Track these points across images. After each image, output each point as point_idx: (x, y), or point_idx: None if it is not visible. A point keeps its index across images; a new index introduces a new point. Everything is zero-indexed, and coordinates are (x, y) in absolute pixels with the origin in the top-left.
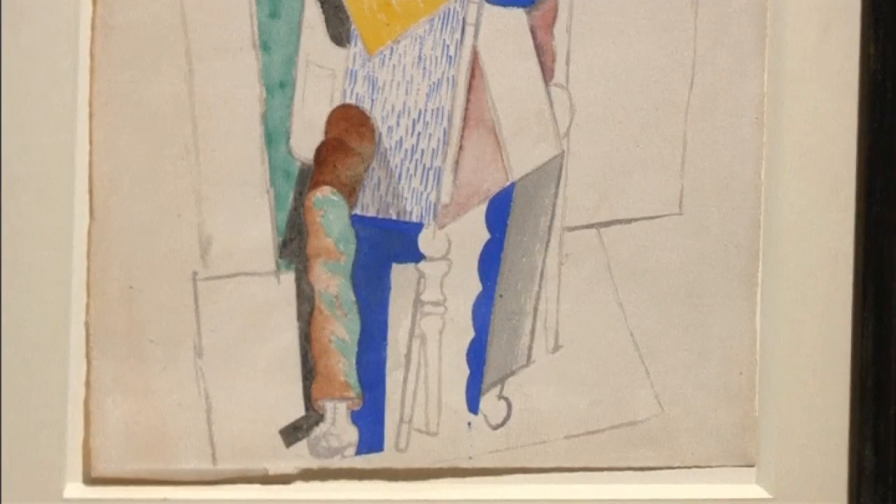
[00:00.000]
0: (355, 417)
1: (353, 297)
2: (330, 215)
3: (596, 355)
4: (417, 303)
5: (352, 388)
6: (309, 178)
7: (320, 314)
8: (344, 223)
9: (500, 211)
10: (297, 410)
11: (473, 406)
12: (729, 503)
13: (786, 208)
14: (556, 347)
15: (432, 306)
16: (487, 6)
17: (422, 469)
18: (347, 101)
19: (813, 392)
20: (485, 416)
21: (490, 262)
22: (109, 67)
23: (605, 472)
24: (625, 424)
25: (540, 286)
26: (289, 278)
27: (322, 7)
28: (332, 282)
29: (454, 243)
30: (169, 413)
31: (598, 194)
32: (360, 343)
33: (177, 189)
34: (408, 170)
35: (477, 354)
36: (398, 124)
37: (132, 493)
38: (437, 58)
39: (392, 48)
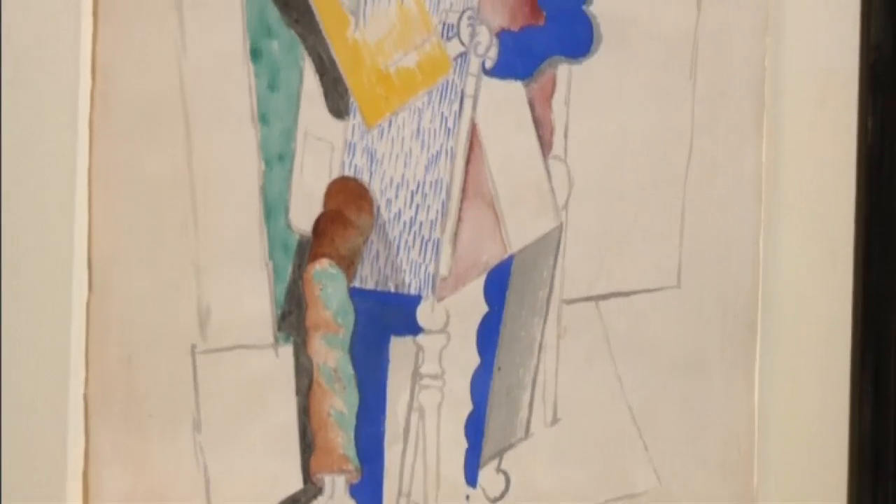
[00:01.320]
0: (354, 491)
1: (351, 371)
2: (328, 288)
3: (594, 428)
4: (416, 376)
5: (350, 462)
6: (308, 251)
7: (319, 387)
8: (342, 296)
9: (498, 283)
10: (296, 484)
11: (472, 479)
12: None
13: (784, 279)
14: (555, 420)
15: (431, 379)
16: (486, 79)
17: None
18: (346, 173)
19: (811, 464)
20: (483, 489)
21: (488, 335)
22: (109, 139)
23: None
24: (623, 498)
25: (538, 359)
26: (287, 351)
27: (321, 79)
28: (330, 355)
29: (453, 316)
30: (167, 486)
31: (596, 267)
32: (359, 416)
33: (176, 261)
34: (406, 242)
35: (475, 427)
36: (397, 196)
37: None
38: (435, 130)
39: (391, 120)
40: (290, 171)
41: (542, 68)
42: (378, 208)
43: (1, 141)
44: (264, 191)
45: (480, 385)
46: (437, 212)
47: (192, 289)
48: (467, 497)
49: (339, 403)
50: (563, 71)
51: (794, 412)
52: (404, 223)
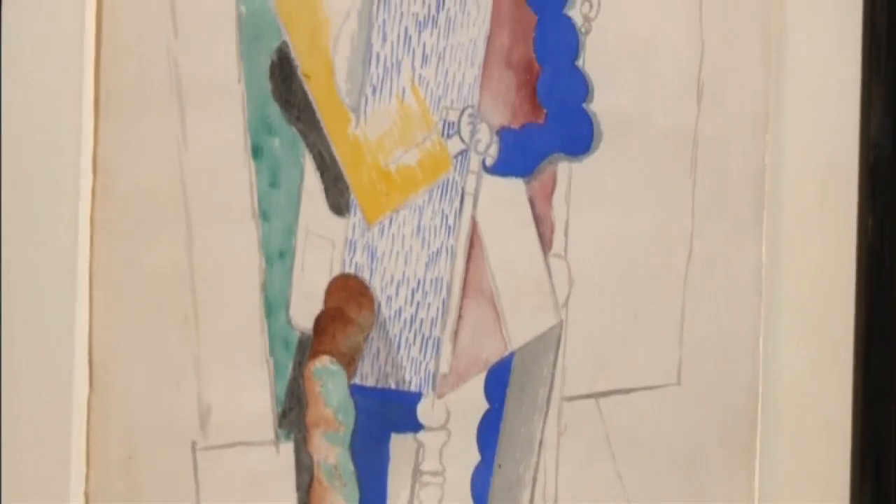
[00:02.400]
0: None
1: (352, 467)
2: (329, 385)
3: None
4: (416, 473)
5: None
6: (308, 348)
7: (319, 485)
8: (343, 393)
9: (498, 381)
10: None
11: None
12: None
13: (784, 376)
14: None
15: (431, 476)
16: (486, 176)
17: None
18: (347, 270)
19: None
20: None
21: (489, 433)
22: (109, 235)
23: None
24: None
25: (539, 456)
26: (288, 448)
27: (322, 177)
28: (331, 452)
29: (453, 413)
30: None
31: (596, 364)
32: None
33: (176, 358)
34: (407, 339)
35: None
36: (397, 294)
37: None
38: (436, 228)
39: (391, 218)
40: (291, 268)
41: (543, 166)
42: (379, 306)
43: (1, 237)
44: (265, 288)
45: (481, 482)
46: (438, 309)
47: (193, 385)
48: None
49: (339, 501)
50: (564, 168)
51: None
52: (405, 321)
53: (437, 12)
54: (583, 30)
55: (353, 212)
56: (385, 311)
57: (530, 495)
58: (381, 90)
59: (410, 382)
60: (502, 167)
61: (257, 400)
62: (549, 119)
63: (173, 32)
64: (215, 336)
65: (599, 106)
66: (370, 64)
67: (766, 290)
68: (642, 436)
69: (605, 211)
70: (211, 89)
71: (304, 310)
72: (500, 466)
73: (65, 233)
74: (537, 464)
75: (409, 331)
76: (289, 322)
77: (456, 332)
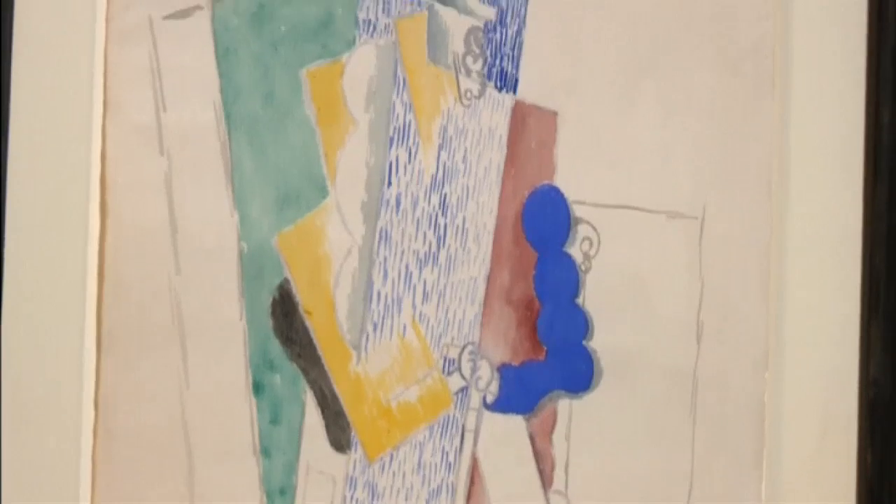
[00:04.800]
0: None
1: None
2: None
3: None
4: None
5: None
6: None
7: None
8: None
9: None
10: None
11: None
12: None
13: None
14: None
15: None
16: (487, 413)
17: None
18: None
19: None
20: None
21: None
22: (111, 472)
23: None
24: None
25: None
26: None
27: (323, 413)
28: None
29: None
30: None
31: None
32: None
33: None
34: None
35: None
36: None
37: None
38: (436, 464)
39: (392, 454)
40: None
41: (543, 402)
42: None
43: (2, 470)
44: None
45: None
46: None
47: None
48: None
49: None
50: (564, 405)
51: None
52: None
53: (438, 250)
54: (583, 267)
55: (353, 448)
56: None
57: None
58: (382, 327)
59: None
60: (503, 404)
61: None
62: (549, 356)
63: (175, 269)
64: None
65: (600, 343)
66: (371, 301)
67: None
68: None
69: (605, 448)
70: (212, 326)
71: None
72: None
73: (67, 469)
74: None
75: None
76: None
77: None
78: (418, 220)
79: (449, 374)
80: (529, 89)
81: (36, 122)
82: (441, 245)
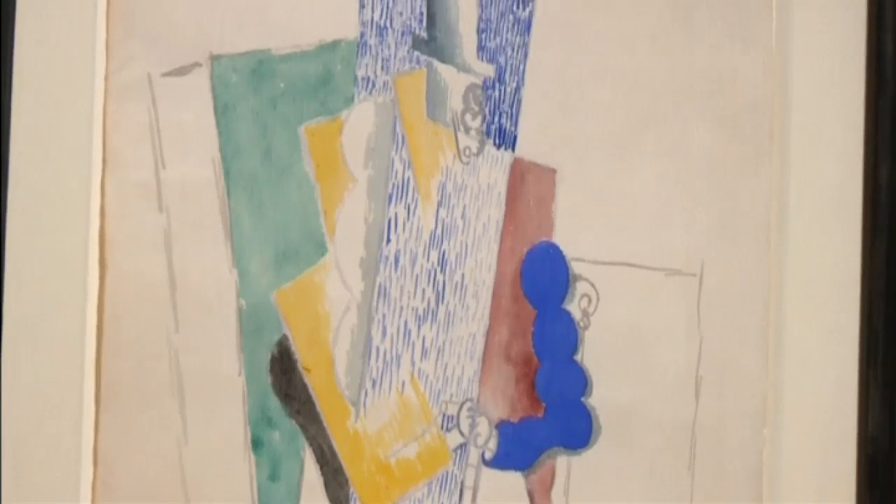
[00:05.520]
0: None
1: None
2: None
3: None
4: None
5: None
6: None
7: None
8: None
9: None
10: None
11: None
12: None
13: None
14: None
15: None
16: (485, 470)
17: None
18: None
19: None
20: None
21: None
22: None
23: None
24: None
25: None
26: None
27: (321, 470)
28: None
29: None
30: None
31: None
32: None
33: None
34: None
35: None
36: None
37: None
38: None
39: None
40: None
41: (542, 459)
42: None
43: None
44: None
45: None
46: None
47: None
48: None
49: None
50: (563, 462)
51: None
52: None
53: (437, 306)
54: (581, 324)
55: None
56: None
57: None
58: (381, 383)
59: None
60: (501, 461)
61: None
62: (548, 413)
63: (174, 326)
64: None
65: (598, 399)
66: (370, 357)
67: None
68: None
69: (605, 496)
70: (211, 382)
71: None
72: None
73: None
74: None
75: None
76: None
77: None
78: (417, 277)
79: (448, 430)
80: (528, 146)
81: (36, 179)
82: (440, 301)
